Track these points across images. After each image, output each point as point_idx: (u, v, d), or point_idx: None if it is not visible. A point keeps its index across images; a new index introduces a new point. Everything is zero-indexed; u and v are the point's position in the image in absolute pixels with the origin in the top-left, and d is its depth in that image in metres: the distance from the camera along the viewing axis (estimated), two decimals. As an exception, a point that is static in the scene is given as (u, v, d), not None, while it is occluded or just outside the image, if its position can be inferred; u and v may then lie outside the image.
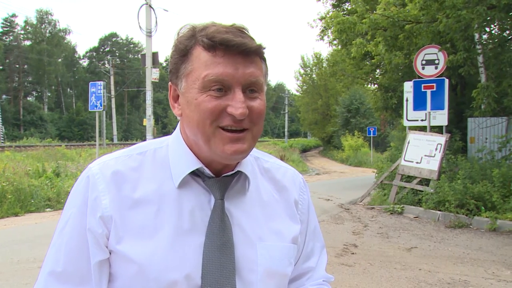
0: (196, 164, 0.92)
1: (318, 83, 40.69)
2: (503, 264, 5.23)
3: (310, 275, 1.09)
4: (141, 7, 13.63)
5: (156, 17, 13.82)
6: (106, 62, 55.78)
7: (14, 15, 56.66)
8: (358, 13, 9.50)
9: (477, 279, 4.64)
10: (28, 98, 56.41)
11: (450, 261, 5.35)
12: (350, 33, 9.79)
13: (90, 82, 13.74)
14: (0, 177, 9.16)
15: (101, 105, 12.97)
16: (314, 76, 42.60)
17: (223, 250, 0.89)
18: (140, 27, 13.61)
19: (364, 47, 10.13)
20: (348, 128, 32.24)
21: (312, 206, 1.11)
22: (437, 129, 9.49)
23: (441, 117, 9.20)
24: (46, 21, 55.40)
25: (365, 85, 21.45)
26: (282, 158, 21.96)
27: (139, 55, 25.19)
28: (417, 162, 8.92)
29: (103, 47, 67.81)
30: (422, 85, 9.03)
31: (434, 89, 8.91)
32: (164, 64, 50.22)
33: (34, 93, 58.72)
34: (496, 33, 9.75)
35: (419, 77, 9.25)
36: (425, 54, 9.10)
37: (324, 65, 39.97)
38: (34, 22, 54.88)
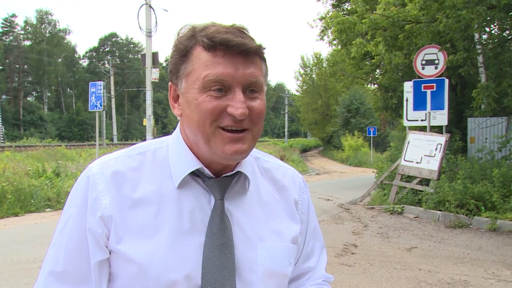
0: (196, 165, 0.92)
1: (318, 83, 40.71)
2: (503, 264, 5.23)
3: (310, 275, 1.09)
4: (141, 7, 13.64)
5: (156, 17, 13.84)
6: (106, 62, 55.80)
7: (14, 15, 56.74)
8: (358, 13, 9.50)
9: (477, 279, 4.64)
10: (28, 98, 56.42)
11: (450, 261, 5.35)
12: (350, 33, 9.79)
13: (90, 82, 13.74)
14: (0, 177, 9.16)
15: (101, 105, 12.97)
16: (314, 76, 42.62)
17: (223, 250, 0.90)
18: (140, 27, 13.61)
19: (364, 47, 10.14)
20: (348, 128, 32.25)
21: (312, 206, 1.11)
22: (437, 129, 9.48)
23: (441, 117, 9.20)
24: (46, 21, 55.41)
25: (365, 85, 21.46)
26: (282, 158, 21.96)
27: (139, 55, 25.18)
28: (417, 162, 8.92)
29: (103, 47, 67.81)
30: (422, 85, 9.03)
31: (434, 89, 8.91)
32: (164, 64, 50.23)
33: (34, 93, 58.72)
34: (496, 33, 9.75)
35: (419, 77, 9.25)
36: (425, 54, 9.10)
37: (324, 65, 39.99)
38: (34, 22, 54.91)
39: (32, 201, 8.97)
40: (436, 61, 8.99)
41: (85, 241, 0.89)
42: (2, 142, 31.72)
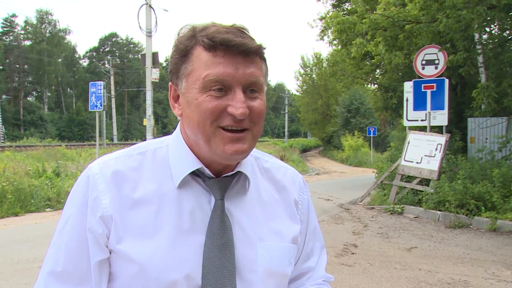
0: (196, 165, 0.92)
1: (318, 83, 40.71)
2: (503, 264, 5.23)
3: (310, 275, 1.09)
4: (141, 7, 13.64)
5: (156, 17, 13.84)
6: (106, 62, 55.77)
7: (14, 15, 56.70)
8: (358, 13, 9.50)
9: (477, 279, 4.64)
10: (28, 98, 56.41)
11: (450, 261, 5.35)
12: (350, 33, 9.79)
13: (90, 82, 13.75)
14: (0, 177, 9.16)
15: (101, 105, 12.97)
16: (314, 76, 42.62)
17: (223, 250, 0.90)
18: (140, 27, 13.61)
19: (364, 47, 10.14)
20: (348, 128, 32.25)
21: (312, 206, 1.11)
22: (437, 129, 9.48)
23: (441, 117, 9.20)
24: (46, 21, 55.40)
25: (365, 85, 21.46)
26: (282, 158, 21.96)
27: (139, 55, 25.18)
28: (417, 162, 8.92)
29: (103, 47, 67.81)
30: (422, 85, 9.03)
31: (434, 89, 8.91)
32: (164, 64, 50.23)
33: (34, 93, 58.72)
34: (496, 33, 9.75)
35: (419, 77, 9.25)
36: (425, 54, 9.10)
37: (324, 65, 40.00)
38: (34, 22, 54.90)
39: (32, 201, 8.97)
40: (436, 61, 8.99)
41: (85, 241, 0.89)
42: (2, 142, 31.72)
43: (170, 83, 0.95)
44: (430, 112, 9.07)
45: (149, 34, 13.66)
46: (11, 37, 55.76)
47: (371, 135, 24.61)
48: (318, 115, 40.17)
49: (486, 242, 6.32)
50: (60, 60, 56.69)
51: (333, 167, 24.55)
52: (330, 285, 1.11)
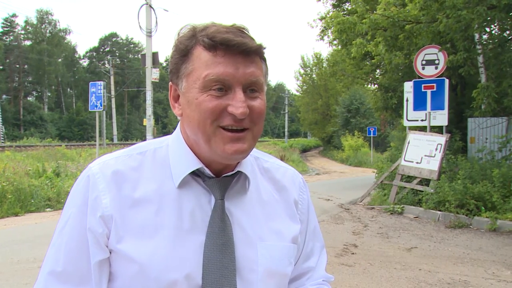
0: (196, 164, 0.92)
1: (318, 83, 40.71)
2: (503, 264, 5.23)
3: (310, 275, 1.09)
4: (141, 7, 13.65)
5: (156, 17, 13.84)
6: (106, 62, 55.77)
7: (14, 15, 56.64)
8: (358, 13, 9.50)
9: (477, 279, 4.64)
10: (28, 98, 56.40)
11: (450, 261, 5.35)
12: (350, 33, 9.79)
13: (90, 82, 13.74)
14: (0, 177, 9.16)
15: (101, 105, 12.97)
16: (314, 76, 42.62)
17: (223, 250, 0.90)
18: (140, 27, 13.62)
19: (364, 47, 10.14)
20: (348, 128, 32.26)
21: (312, 206, 1.11)
22: (437, 129, 9.48)
23: (441, 117, 9.20)
24: (46, 21, 55.40)
25: (365, 85, 21.48)
26: (282, 158, 21.96)
27: (139, 55, 25.18)
28: (417, 162, 8.92)
29: (103, 47, 67.80)
30: (422, 85, 9.03)
31: (434, 89, 8.91)
32: (164, 64, 50.22)
33: (34, 93, 58.72)
34: (496, 33, 9.75)
35: (419, 77, 9.25)
36: (425, 54, 9.10)
37: (324, 65, 40.00)
38: (34, 22, 54.90)
39: (32, 201, 8.97)
40: (436, 61, 8.99)
41: (85, 241, 0.89)
42: (2, 142, 31.72)
43: (170, 83, 0.95)
44: (430, 112, 9.07)
45: (149, 34, 13.66)
46: (11, 37, 55.76)
47: (371, 135, 24.61)
48: (318, 115, 40.17)
49: (486, 242, 6.32)
50: (60, 60, 56.70)
51: (333, 167, 24.55)
52: (330, 285, 1.11)
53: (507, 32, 9.20)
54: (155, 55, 13.73)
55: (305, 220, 1.07)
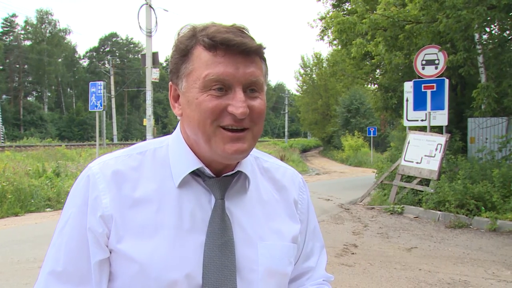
0: (196, 164, 0.92)
1: (318, 83, 40.71)
2: (503, 264, 5.23)
3: (310, 275, 1.09)
4: (141, 7, 13.65)
5: (156, 17, 13.84)
6: (106, 62, 55.77)
7: (14, 15, 56.69)
8: (358, 13, 9.50)
9: (477, 279, 4.64)
10: (28, 98, 56.39)
11: (450, 261, 5.35)
12: (350, 33, 9.79)
13: (90, 82, 13.74)
14: (0, 177, 9.16)
15: (101, 105, 12.97)
16: (314, 76, 42.62)
17: (223, 249, 0.90)
18: (140, 27, 13.61)
19: (364, 47, 10.14)
20: (348, 128, 32.26)
21: (311, 206, 1.11)
22: (437, 129, 9.48)
23: (441, 117, 9.20)
24: (46, 21, 55.40)
25: (365, 85, 21.48)
26: (282, 158, 21.96)
27: (139, 55, 25.19)
28: (417, 162, 8.92)
29: (103, 47, 67.80)
30: (422, 85, 9.03)
31: (434, 89, 8.91)
32: (164, 64, 50.22)
33: (34, 93, 58.71)
34: (496, 33, 9.75)
35: (419, 77, 9.25)
36: (425, 54, 9.10)
37: (324, 65, 40.00)
38: (34, 22, 54.89)
39: (32, 201, 8.97)
40: (436, 61, 8.99)
41: (86, 241, 0.89)
42: (2, 142, 31.72)
43: (170, 82, 0.95)
44: (430, 112, 9.07)
45: (149, 34, 13.66)
46: (11, 37, 55.76)
47: (371, 135, 24.61)
48: (318, 115, 40.17)
49: (486, 242, 6.32)
50: (60, 60, 56.69)
51: (333, 167, 24.55)
52: (330, 285, 1.11)
53: (507, 32, 9.20)
54: (155, 55, 13.73)
55: (305, 220, 1.07)
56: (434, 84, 8.92)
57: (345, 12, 14.05)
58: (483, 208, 7.47)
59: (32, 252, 5.51)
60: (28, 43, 55.55)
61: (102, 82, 13.34)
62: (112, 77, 44.55)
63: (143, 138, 40.73)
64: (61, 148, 21.21)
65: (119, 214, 0.89)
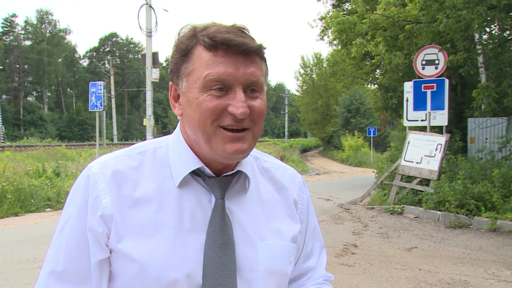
0: (196, 164, 0.92)
1: (318, 83, 40.71)
2: (503, 264, 5.23)
3: (310, 275, 1.09)
4: (141, 7, 13.65)
5: (156, 17, 13.84)
6: (106, 62, 55.78)
7: (14, 15, 56.65)
8: (358, 13, 9.50)
9: (477, 279, 4.64)
10: (28, 98, 56.39)
11: (450, 261, 5.35)
12: (350, 33, 9.79)
13: (90, 82, 13.74)
14: (0, 177, 9.16)
15: (101, 105, 12.97)
16: (314, 76, 42.62)
17: (224, 249, 0.90)
18: (140, 27, 13.61)
19: (364, 47, 10.14)
20: (348, 128, 32.26)
21: (311, 206, 1.11)
22: (437, 129, 9.49)
23: (441, 117, 9.20)
24: (46, 21, 55.39)
25: (365, 85, 21.48)
26: (282, 158, 21.96)
27: (139, 55, 25.19)
28: (417, 162, 8.92)
29: (103, 47, 67.80)
30: (422, 85, 9.03)
31: (434, 89, 8.91)
32: (164, 64, 50.25)
33: (34, 93, 58.71)
34: (496, 33, 9.75)
35: (419, 77, 9.25)
36: (425, 54, 9.10)
37: (324, 65, 40.00)
38: (34, 22, 54.89)
39: (32, 201, 8.97)
40: (436, 61, 8.99)
41: (86, 241, 0.89)
42: (2, 142, 31.72)
43: (170, 82, 0.95)
44: (430, 112, 9.07)
45: (149, 34, 13.66)
46: (11, 37, 55.75)
47: (371, 135, 24.62)
48: (318, 115, 40.17)
49: (486, 242, 6.32)
50: (60, 60, 56.69)
51: (333, 167, 24.55)
52: (331, 285, 1.11)
53: (507, 32, 9.20)
54: (155, 55, 13.74)
55: (305, 220, 1.07)
56: (434, 84, 8.92)
57: (345, 12, 14.05)
58: (483, 208, 7.47)
59: (32, 252, 5.51)
60: (28, 43, 55.56)
61: (102, 82, 13.34)
62: (112, 77, 44.55)
63: (143, 138, 40.73)
64: (61, 148, 21.21)
65: (119, 214, 0.89)
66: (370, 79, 14.91)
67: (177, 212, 0.91)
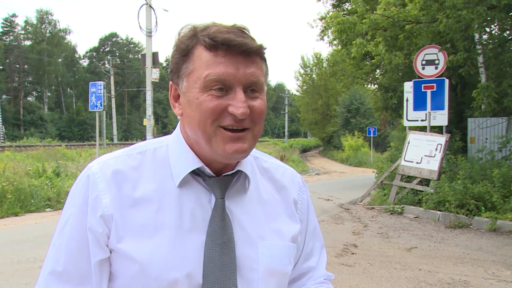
0: (196, 164, 0.92)
1: (318, 83, 40.72)
2: (503, 264, 5.23)
3: (311, 274, 1.09)
4: (141, 7, 13.65)
5: (156, 17, 13.84)
6: (106, 62, 55.78)
7: (14, 15, 56.66)
8: (358, 13, 9.50)
9: (477, 279, 4.64)
10: (28, 98, 56.39)
11: (450, 261, 5.35)
12: (350, 33, 9.79)
13: (90, 82, 13.74)
14: (0, 177, 9.16)
15: (101, 105, 12.97)
16: (314, 76, 42.62)
17: (224, 249, 0.90)
18: (140, 27, 13.62)
19: (364, 47, 10.14)
20: (348, 128, 32.26)
21: (311, 206, 1.11)
22: (437, 129, 9.48)
23: (441, 117, 9.20)
24: (46, 21, 55.39)
25: (365, 85, 21.48)
26: (282, 158, 21.97)
27: (139, 55, 25.19)
28: (417, 162, 8.92)
29: (103, 47, 67.80)
30: (422, 85, 9.03)
31: (434, 89, 8.91)
32: (164, 64, 50.26)
33: (34, 93, 58.71)
34: (496, 33, 9.75)
35: (419, 77, 9.25)
36: (425, 54, 9.10)
37: (324, 65, 40.01)
38: (34, 22, 54.89)
39: (32, 201, 8.97)
40: (436, 61, 8.99)
41: (86, 241, 0.89)
42: (2, 142, 31.72)
43: (170, 82, 0.95)
44: (430, 112, 9.07)
45: (149, 34, 13.66)
46: (11, 37, 55.75)
47: (371, 135, 24.62)
48: (318, 115, 40.17)
49: (486, 242, 6.32)
50: (60, 60, 56.69)
51: (333, 167, 24.55)
52: (331, 284, 1.12)
53: (507, 32, 9.20)
54: (155, 55, 13.73)
55: (305, 220, 1.07)
56: (434, 84, 8.92)
57: (345, 12, 14.05)
58: (483, 208, 7.47)
59: (32, 252, 5.51)
60: (28, 43, 55.56)
61: (102, 82, 13.35)
62: (112, 77, 44.55)
63: (143, 138, 40.72)
64: (61, 148, 21.21)
65: (119, 214, 0.89)
66: (370, 79, 14.91)
67: (177, 212, 0.91)
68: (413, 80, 9.33)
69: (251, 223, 0.96)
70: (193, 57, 0.88)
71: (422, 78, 9.15)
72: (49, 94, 56.95)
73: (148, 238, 0.88)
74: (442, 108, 8.92)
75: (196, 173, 0.93)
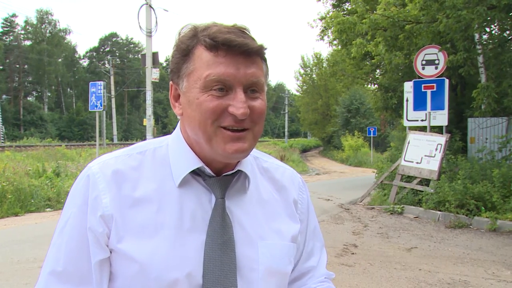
0: (197, 163, 0.92)
1: (318, 83, 40.72)
2: (503, 264, 5.23)
3: (311, 274, 1.09)
4: (141, 7, 13.65)
5: (156, 17, 13.84)
6: (106, 62, 55.78)
7: (14, 15, 56.64)
8: (358, 13, 9.50)
9: (477, 279, 4.64)
10: (28, 98, 56.39)
11: (450, 261, 5.35)
12: (350, 33, 9.79)
13: (90, 82, 13.74)
14: (0, 177, 9.16)
15: (101, 105, 12.97)
16: (314, 76, 42.63)
17: (224, 248, 0.90)
18: (140, 27, 13.62)
19: (364, 47, 10.14)
20: (348, 128, 32.27)
21: (311, 206, 1.11)
22: (437, 129, 9.49)
23: (441, 117, 9.20)
24: (46, 21, 55.39)
25: (365, 85, 21.48)
26: (282, 158, 21.97)
27: (139, 55, 25.20)
28: (417, 162, 8.92)
29: (103, 47, 67.80)
30: (422, 85, 9.04)
31: (434, 89, 8.91)
32: (164, 64, 50.26)
33: (34, 93, 58.71)
34: (496, 33, 9.75)
35: (419, 77, 9.25)
36: (425, 54, 9.10)
37: (324, 65, 40.01)
38: (34, 22, 54.89)
39: (32, 201, 8.97)
40: (436, 61, 8.99)
41: (86, 241, 0.89)
42: (2, 142, 31.72)
43: (171, 82, 0.95)
44: (430, 112, 9.07)
45: (149, 34, 13.66)
46: (11, 37, 55.75)
47: (371, 135, 24.62)
48: (318, 115, 40.18)
49: (486, 242, 6.32)
50: (60, 60, 56.69)
51: (333, 167, 24.55)
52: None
53: (507, 32, 9.20)
54: (155, 55, 13.74)
55: (305, 219, 1.07)
56: (434, 84, 8.92)
57: (345, 12, 14.05)
58: (483, 208, 7.47)
59: (32, 252, 5.51)
60: (28, 43, 55.56)
61: (102, 82, 13.34)
62: (112, 77, 44.56)
63: (143, 138, 40.71)
64: (61, 148, 21.21)
65: (119, 214, 0.89)
66: (370, 79, 14.91)
67: (177, 211, 0.91)
68: (413, 80, 9.33)
69: (251, 223, 0.96)
70: (193, 57, 0.88)
71: (422, 78, 9.15)
72: (49, 94, 56.95)
73: (148, 238, 0.88)
74: (442, 108, 8.92)
75: (196, 173, 0.93)
